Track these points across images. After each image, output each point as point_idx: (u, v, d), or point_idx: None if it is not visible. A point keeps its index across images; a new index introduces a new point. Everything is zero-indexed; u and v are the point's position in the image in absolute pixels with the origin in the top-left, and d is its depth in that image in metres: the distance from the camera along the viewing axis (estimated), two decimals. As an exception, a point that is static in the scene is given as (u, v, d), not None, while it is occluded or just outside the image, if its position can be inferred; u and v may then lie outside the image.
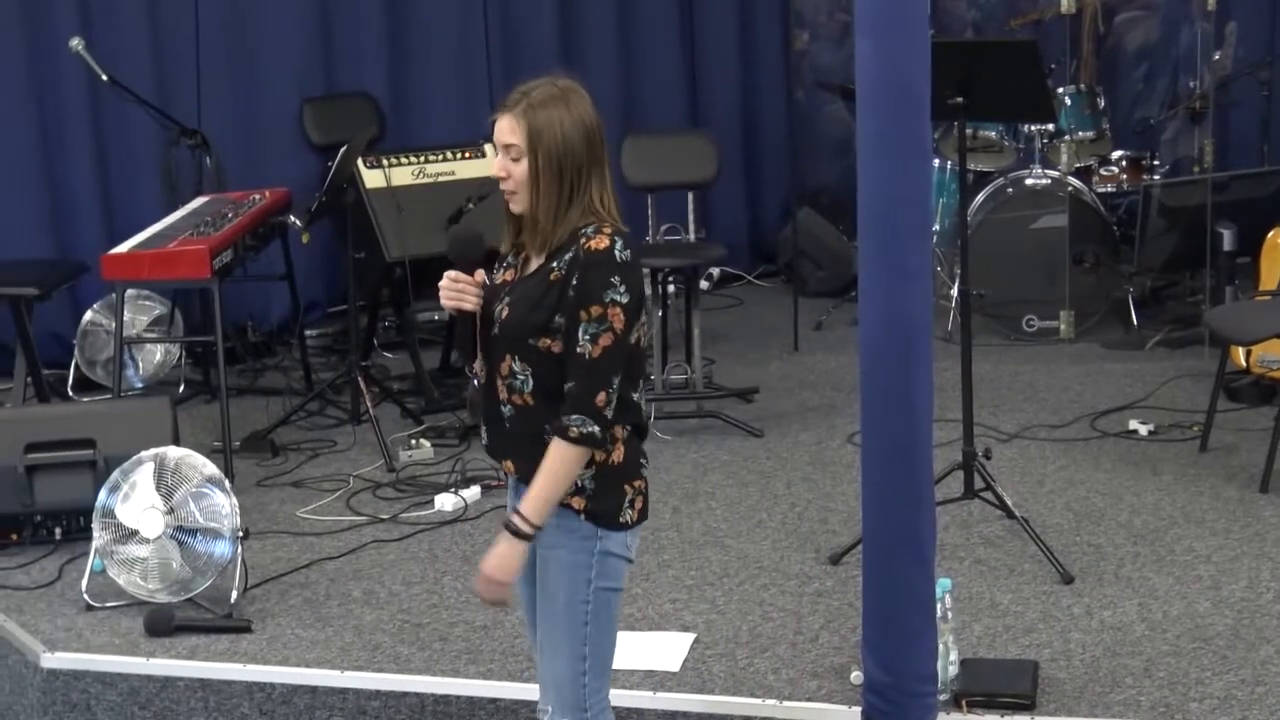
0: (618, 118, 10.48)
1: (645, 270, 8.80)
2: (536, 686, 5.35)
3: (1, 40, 9.00)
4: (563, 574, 4.12)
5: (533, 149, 4.00)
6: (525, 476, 4.08)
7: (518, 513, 4.03)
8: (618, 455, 4.09)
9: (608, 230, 4.01)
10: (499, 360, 4.09)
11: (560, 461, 3.99)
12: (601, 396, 3.98)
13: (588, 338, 3.95)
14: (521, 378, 4.05)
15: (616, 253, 3.98)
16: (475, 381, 4.24)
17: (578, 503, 4.07)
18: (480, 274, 4.17)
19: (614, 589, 4.16)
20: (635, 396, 4.13)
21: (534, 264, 4.10)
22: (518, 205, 4.07)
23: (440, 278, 4.17)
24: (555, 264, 4.01)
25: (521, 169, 4.02)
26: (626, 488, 4.12)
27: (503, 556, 4.06)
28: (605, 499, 4.09)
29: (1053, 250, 9.00)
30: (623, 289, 3.97)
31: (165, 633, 5.85)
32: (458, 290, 4.13)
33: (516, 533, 4.03)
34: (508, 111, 4.03)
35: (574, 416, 3.97)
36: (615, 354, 3.98)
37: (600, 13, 10.62)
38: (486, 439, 4.25)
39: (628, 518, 4.12)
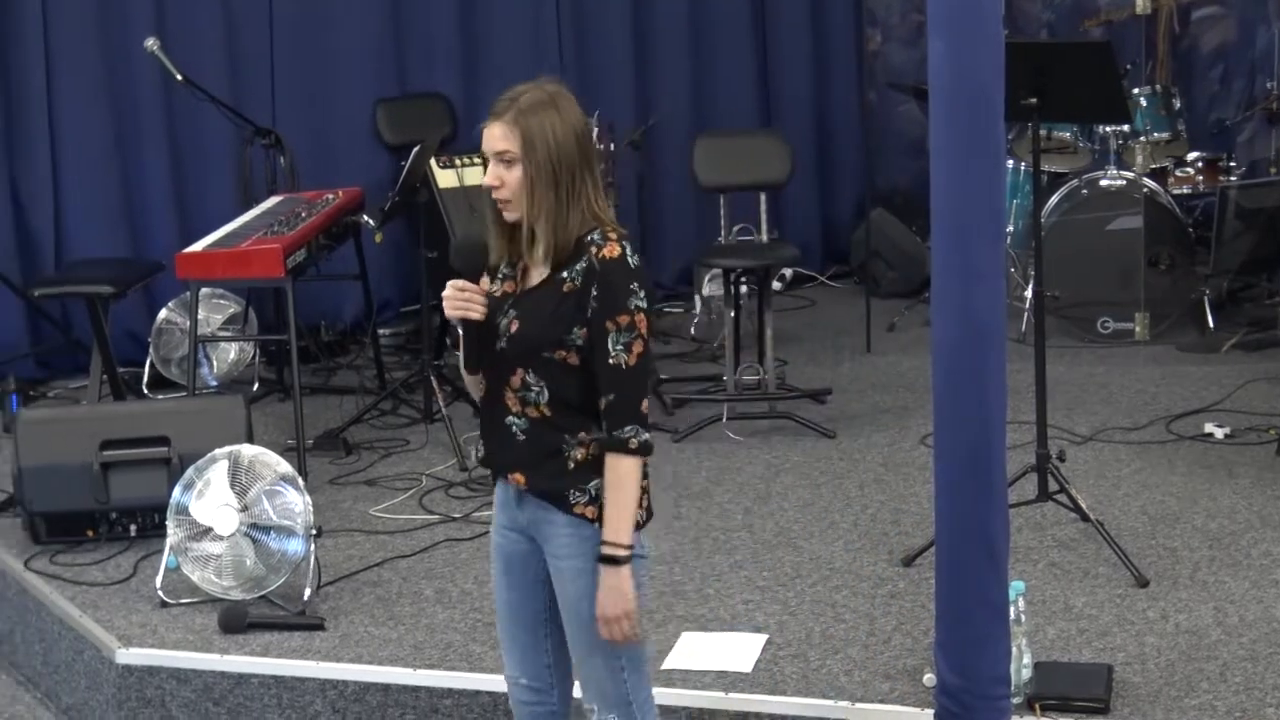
0: (689, 118, 10.52)
1: (718, 270, 8.86)
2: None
3: (77, 41, 9.09)
4: (583, 581, 4.10)
5: (527, 155, 3.99)
6: (537, 489, 4.10)
7: (606, 542, 4.03)
8: None
9: (614, 236, 4.01)
10: (508, 373, 4.09)
11: (626, 475, 4.02)
12: (645, 403, 4.02)
13: (620, 347, 3.97)
14: (536, 390, 4.05)
15: (629, 259, 3.99)
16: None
17: (591, 511, 4.08)
18: (485, 282, 4.15)
19: (635, 587, 4.15)
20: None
21: (537, 275, 4.09)
22: (513, 213, 4.05)
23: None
24: (567, 274, 4.01)
25: (516, 176, 4.01)
26: None
27: (612, 590, 4.04)
28: None
29: (1128, 252, 8.95)
30: (641, 294, 4.00)
31: (239, 629, 5.87)
32: (464, 299, 4.08)
33: (614, 560, 4.03)
34: (498, 119, 4.04)
35: (627, 428, 3.99)
36: (647, 359, 4.02)
37: (672, 12, 10.61)
38: (487, 453, 4.23)
39: (639, 517, 4.12)
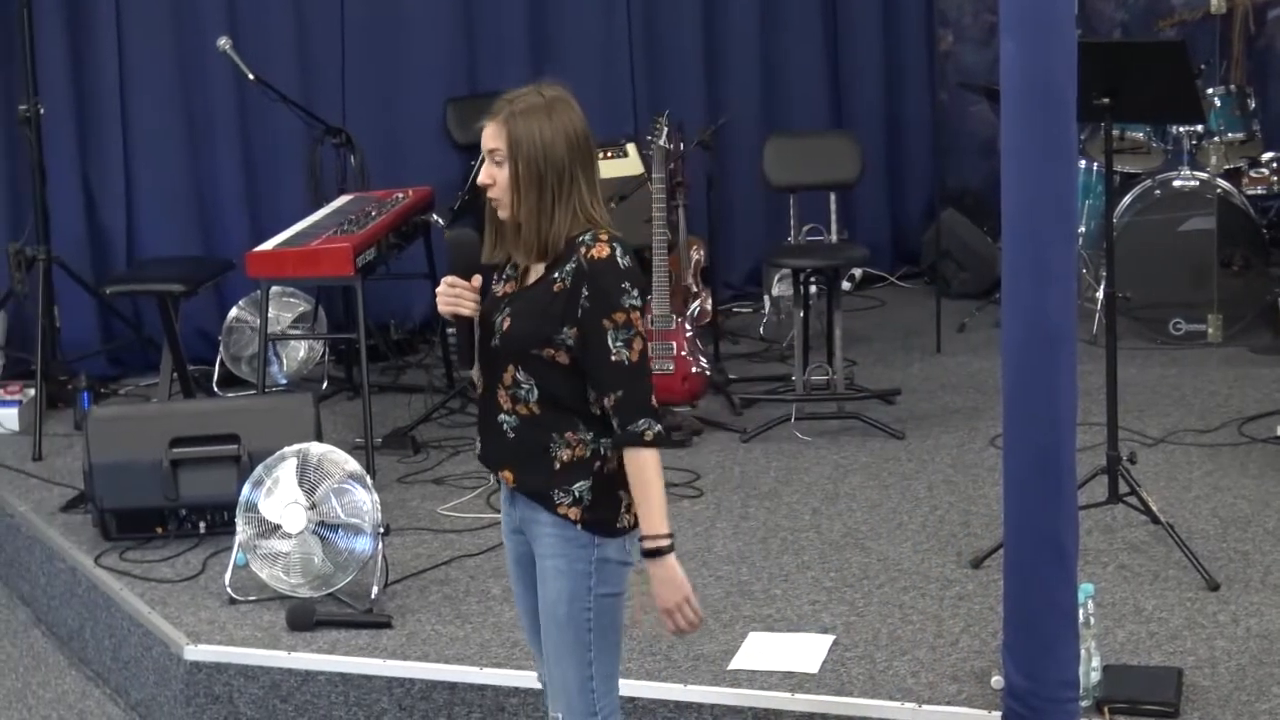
0: (759, 117, 10.49)
1: (787, 270, 8.84)
2: (674, 685, 5.36)
3: (150, 40, 9.15)
4: (562, 583, 4.15)
5: (513, 155, 4.09)
6: (525, 487, 4.16)
7: (646, 536, 4.07)
8: (612, 464, 4.14)
9: (605, 237, 4.07)
10: (501, 370, 4.15)
11: (647, 468, 4.06)
12: (652, 398, 4.06)
13: (621, 343, 4.02)
14: (526, 387, 4.11)
15: (619, 259, 4.05)
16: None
17: (575, 513, 4.12)
18: (477, 279, 4.22)
19: (614, 594, 4.20)
20: None
21: (533, 275, 4.16)
22: (503, 211, 4.15)
23: None
24: (558, 274, 4.07)
25: (504, 175, 4.11)
26: (621, 494, 4.16)
27: (664, 582, 4.09)
28: (601, 508, 4.14)
29: (1200, 253, 8.89)
30: (635, 293, 4.05)
31: (306, 627, 5.89)
32: (454, 295, 4.20)
33: (658, 552, 4.07)
34: (492, 119, 4.15)
35: (640, 422, 4.03)
36: (647, 355, 4.06)
37: (743, 12, 10.59)
38: (482, 448, 4.27)
39: (625, 523, 4.17)
